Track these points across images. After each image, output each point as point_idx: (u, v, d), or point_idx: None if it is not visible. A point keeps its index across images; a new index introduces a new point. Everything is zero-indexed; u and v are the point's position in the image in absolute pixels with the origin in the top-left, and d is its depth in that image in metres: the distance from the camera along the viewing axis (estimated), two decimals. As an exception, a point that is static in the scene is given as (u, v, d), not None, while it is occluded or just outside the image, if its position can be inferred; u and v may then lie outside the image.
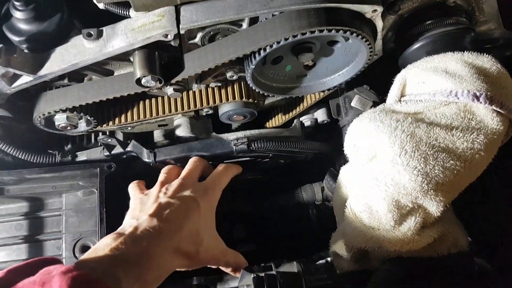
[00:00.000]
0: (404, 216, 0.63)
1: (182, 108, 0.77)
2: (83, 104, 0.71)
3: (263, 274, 0.64)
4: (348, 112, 0.82)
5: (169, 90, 0.73)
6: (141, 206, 0.61)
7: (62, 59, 0.64)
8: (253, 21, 0.64)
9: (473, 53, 0.65)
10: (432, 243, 0.65)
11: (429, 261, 0.64)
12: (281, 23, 0.60)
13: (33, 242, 0.82)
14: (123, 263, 0.48)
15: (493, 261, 0.75)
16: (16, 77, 0.67)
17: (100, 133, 0.83)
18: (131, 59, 0.69)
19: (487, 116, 0.62)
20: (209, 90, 0.77)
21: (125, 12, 0.65)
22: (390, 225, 0.62)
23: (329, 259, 0.73)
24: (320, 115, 0.88)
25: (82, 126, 0.79)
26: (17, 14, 0.64)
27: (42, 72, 0.65)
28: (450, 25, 0.68)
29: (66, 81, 0.72)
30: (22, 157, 0.77)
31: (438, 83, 0.64)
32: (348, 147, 0.69)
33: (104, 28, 0.64)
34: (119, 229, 0.55)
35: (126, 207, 0.68)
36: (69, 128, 0.76)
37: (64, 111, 0.72)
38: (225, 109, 0.78)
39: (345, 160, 0.73)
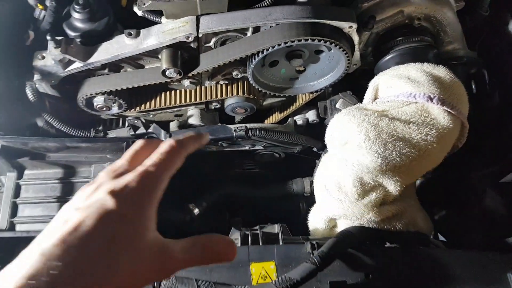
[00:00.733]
0: (366, 192, 0.77)
1: (195, 99, 0.94)
2: (118, 89, 0.89)
3: (249, 232, 0.79)
4: (333, 113, 0.98)
5: (186, 82, 0.90)
6: (70, 206, 0.41)
7: (107, 51, 0.83)
8: (256, 30, 0.82)
9: (431, 64, 0.81)
10: (391, 217, 0.78)
11: (385, 231, 0.77)
12: (276, 32, 0.78)
13: (63, 202, 0.98)
14: None
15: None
16: (69, 63, 0.86)
17: (127, 118, 1.01)
18: (159, 56, 0.87)
19: (439, 115, 0.77)
20: (218, 86, 0.94)
21: (157, 19, 0.84)
22: (354, 197, 0.77)
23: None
24: (311, 115, 1.04)
25: (115, 109, 0.97)
26: (75, 15, 0.84)
27: (91, 60, 0.84)
28: (415, 42, 0.84)
29: (106, 70, 0.91)
30: (64, 130, 0.94)
31: (402, 87, 0.80)
32: (327, 137, 0.85)
33: (141, 30, 0.83)
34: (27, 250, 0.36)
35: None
36: (104, 109, 0.94)
37: (103, 94, 0.90)
38: (230, 102, 0.95)
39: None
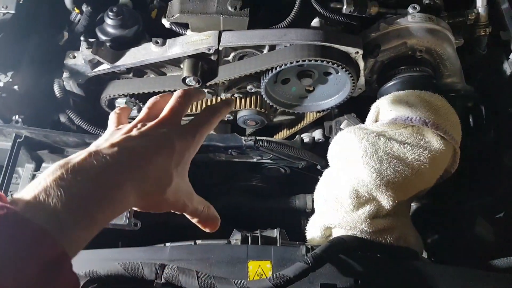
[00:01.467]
0: (361, 204, 0.82)
1: (210, 108, 1.01)
2: (140, 92, 0.97)
3: (249, 234, 0.84)
4: (338, 133, 1.04)
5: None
6: (109, 137, 0.51)
7: (134, 56, 0.91)
8: (272, 48, 0.90)
9: (429, 92, 0.88)
10: (382, 230, 0.83)
11: (377, 242, 0.82)
12: (290, 51, 0.86)
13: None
14: (65, 196, 0.40)
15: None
16: (98, 64, 0.94)
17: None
18: (181, 65, 0.95)
19: (433, 138, 0.83)
20: (233, 98, 1.02)
21: (183, 31, 0.92)
22: (350, 208, 0.82)
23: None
24: (317, 134, 1.10)
25: (134, 112, 1.04)
26: (108, 21, 0.93)
27: (118, 63, 0.92)
28: (416, 71, 0.91)
29: (131, 75, 0.99)
30: (85, 127, 1.01)
31: (400, 111, 0.86)
32: (329, 151, 0.91)
33: (167, 39, 0.91)
34: (71, 156, 0.46)
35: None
36: (124, 110, 1.02)
37: (125, 96, 0.98)
38: (242, 114, 1.02)
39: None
